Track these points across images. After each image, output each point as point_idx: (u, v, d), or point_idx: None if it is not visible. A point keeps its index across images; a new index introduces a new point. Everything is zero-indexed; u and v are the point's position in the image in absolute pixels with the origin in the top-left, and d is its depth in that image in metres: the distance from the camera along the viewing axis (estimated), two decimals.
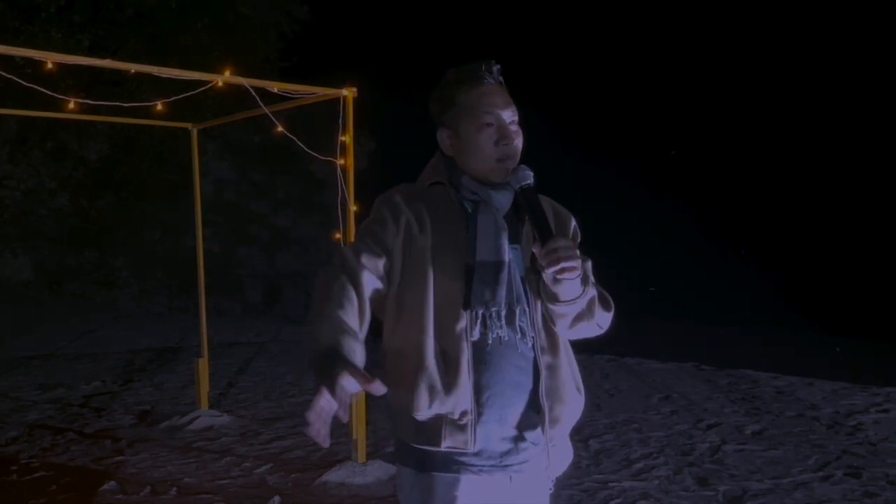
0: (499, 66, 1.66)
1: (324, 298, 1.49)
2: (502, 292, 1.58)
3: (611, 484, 4.22)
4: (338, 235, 4.26)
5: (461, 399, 1.54)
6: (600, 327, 1.68)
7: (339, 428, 5.31)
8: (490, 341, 1.57)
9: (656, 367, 8.04)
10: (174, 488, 4.13)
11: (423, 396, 1.55)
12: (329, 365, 1.32)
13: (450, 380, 1.54)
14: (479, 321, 1.57)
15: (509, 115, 1.63)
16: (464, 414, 1.55)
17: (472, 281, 1.57)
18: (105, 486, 4.13)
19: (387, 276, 1.58)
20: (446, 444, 1.55)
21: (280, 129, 4.45)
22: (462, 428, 1.55)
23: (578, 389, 1.68)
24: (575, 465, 4.45)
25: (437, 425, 1.56)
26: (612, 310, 1.69)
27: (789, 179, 29.38)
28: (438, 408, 1.54)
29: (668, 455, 4.78)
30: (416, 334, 1.56)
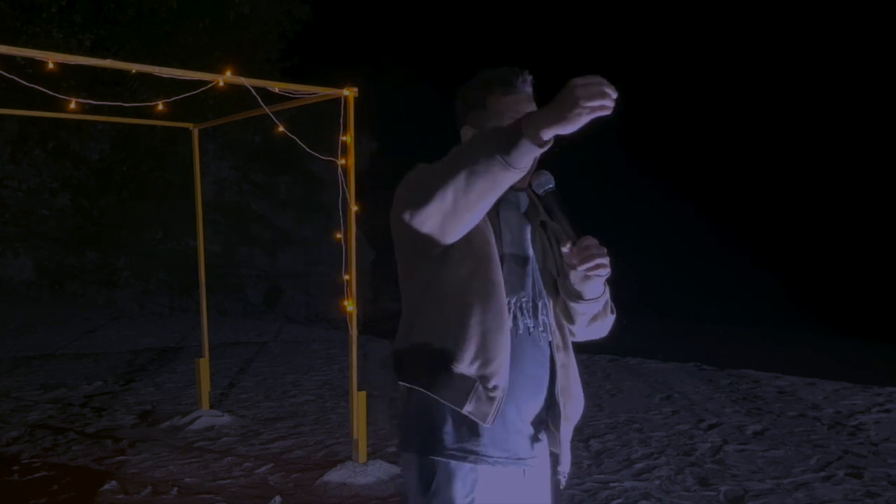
0: (531, 77, 1.67)
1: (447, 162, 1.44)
2: (529, 284, 1.63)
3: (612, 484, 4.22)
4: (339, 235, 4.26)
5: (501, 372, 1.55)
6: (605, 330, 1.77)
7: (340, 428, 5.32)
8: (521, 331, 1.60)
9: (657, 367, 8.03)
10: (175, 488, 4.13)
11: (470, 350, 1.54)
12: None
13: (498, 349, 1.54)
14: (512, 310, 1.59)
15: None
16: (496, 388, 1.55)
17: (503, 271, 1.59)
18: (106, 486, 4.13)
19: None
20: (468, 409, 1.54)
21: (281, 129, 4.44)
22: (490, 400, 1.54)
23: (582, 390, 1.74)
24: (576, 464, 4.46)
25: (468, 386, 1.54)
26: (615, 315, 1.76)
27: (792, 179, 29.35)
28: (479, 368, 1.54)
29: (670, 455, 4.78)
30: (477, 299, 1.54)
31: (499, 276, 1.56)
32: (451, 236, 1.51)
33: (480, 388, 1.54)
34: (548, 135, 1.31)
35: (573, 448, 4.71)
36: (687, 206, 28.16)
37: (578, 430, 5.24)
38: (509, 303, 1.59)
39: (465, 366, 1.54)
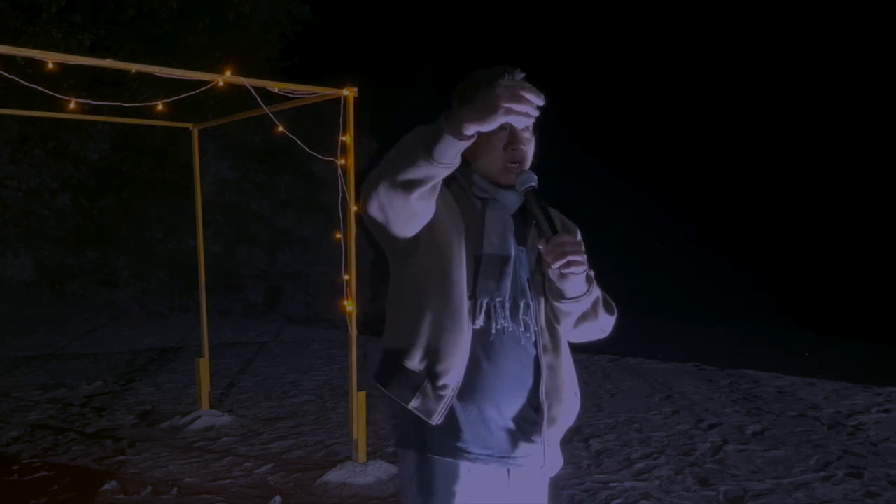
0: (523, 74, 1.67)
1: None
2: (507, 285, 1.62)
3: (612, 484, 4.22)
4: (339, 235, 4.26)
5: (452, 372, 1.57)
6: (604, 331, 1.73)
7: (340, 428, 5.32)
8: (494, 332, 1.60)
9: (657, 366, 8.03)
10: (175, 488, 4.14)
11: (420, 347, 1.57)
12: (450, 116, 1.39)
13: (450, 348, 1.56)
14: (483, 311, 1.60)
15: (522, 122, 1.66)
16: (446, 387, 1.57)
17: (479, 272, 1.61)
18: (106, 486, 4.13)
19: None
20: (414, 404, 1.57)
21: (281, 129, 4.45)
22: (438, 398, 1.57)
23: (576, 394, 1.72)
24: (576, 465, 4.46)
25: (415, 382, 1.58)
26: (615, 314, 1.73)
27: (792, 181, 29.36)
28: (428, 366, 1.57)
29: (670, 455, 4.78)
30: (433, 298, 1.58)
31: (459, 276, 1.58)
32: (402, 230, 1.55)
33: (428, 385, 1.57)
34: (468, 130, 1.36)
35: (572, 448, 4.66)
36: (688, 207, 28.18)
37: (578, 430, 5.24)
38: (481, 303, 1.59)
39: (415, 362, 1.58)
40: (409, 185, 1.43)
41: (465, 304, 1.58)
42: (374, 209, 1.50)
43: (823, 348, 14.09)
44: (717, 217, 28.51)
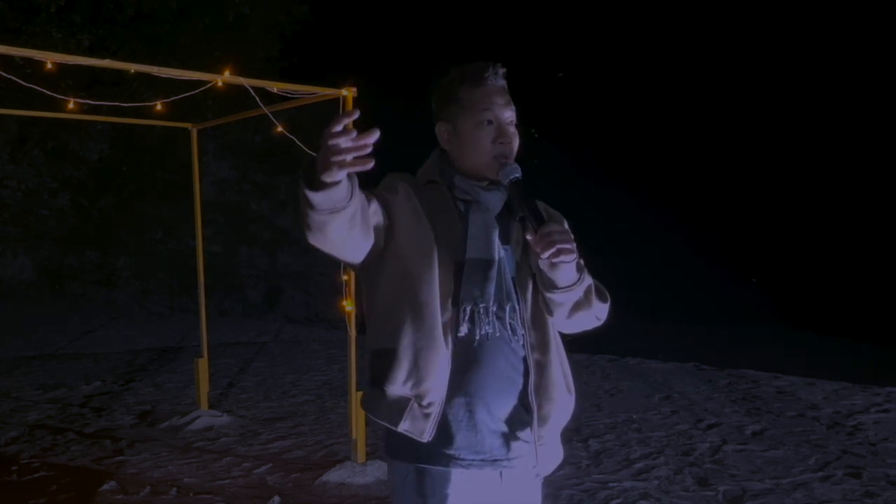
0: (504, 70, 1.67)
1: None
2: (491, 289, 1.59)
3: (611, 484, 4.22)
4: None
5: (434, 388, 1.55)
6: (598, 319, 1.70)
7: (339, 428, 5.32)
8: (478, 337, 1.58)
9: (657, 367, 8.03)
10: (174, 488, 4.14)
11: (402, 371, 1.55)
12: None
13: (430, 367, 1.55)
14: (467, 317, 1.58)
15: (509, 116, 1.65)
16: (431, 404, 1.56)
17: (462, 278, 1.58)
18: (105, 486, 4.13)
19: (383, 230, 1.55)
20: (403, 427, 1.56)
21: (280, 129, 4.45)
22: (425, 416, 1.56)
23: (569, 390, 1.69)
24: (575, 465, 4.46)
25: (402, 405, 1.56)
26: (609, 301, 1.71)
27: (792, 182, 29.38)
28: (412, 388, 1.55)
29: (669, 455, 4.78)
30: (406, 318, 1.56)
31: (430, 293, 1.54)
32: (347, 257, 1.55)
33: (415, 405, 1.56)
34: (326, 178, 1.28)
35: (571, 448, 4.66)
36: (688, 207, 28.19)
37: (577, 430, 5.24)
38: (465, 309, 1.58)
39: (398, 386, 1.56)
40: (318, 226, 1.39)
41: (440, 319, 1.55)
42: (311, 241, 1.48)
43: (823, 348, 14.09)
44: (717, 217, 28.51)
